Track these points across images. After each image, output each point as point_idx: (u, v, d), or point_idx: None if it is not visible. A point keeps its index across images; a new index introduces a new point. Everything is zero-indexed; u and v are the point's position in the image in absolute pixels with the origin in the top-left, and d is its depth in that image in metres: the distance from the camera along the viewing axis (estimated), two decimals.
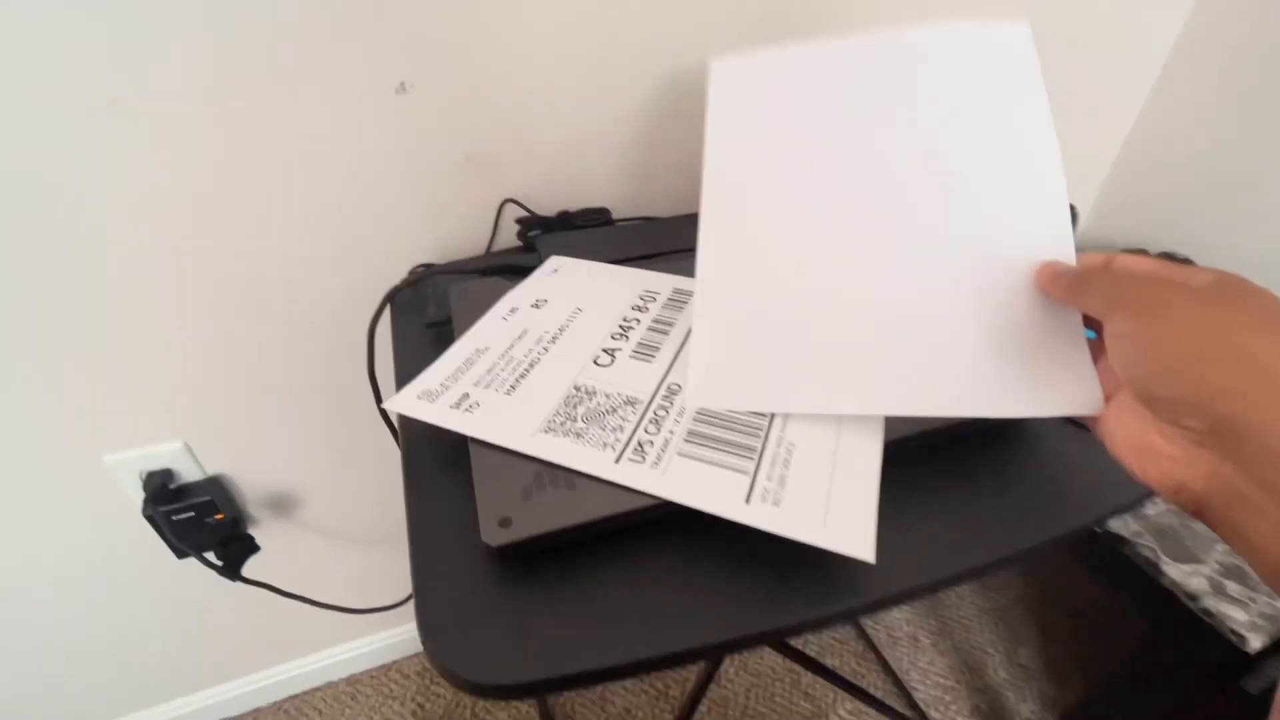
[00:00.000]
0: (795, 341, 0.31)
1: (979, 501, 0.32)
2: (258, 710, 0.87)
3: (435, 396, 0.34)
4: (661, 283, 0.43)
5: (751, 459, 0.29)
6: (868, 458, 0.29)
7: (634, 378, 0.34)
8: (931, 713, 0.88)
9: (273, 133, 0.48)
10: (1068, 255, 0.28)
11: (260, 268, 0.53)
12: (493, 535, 0.26)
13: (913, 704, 0.89)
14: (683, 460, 0.29)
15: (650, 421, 0.31)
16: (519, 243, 0.57)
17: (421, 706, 0.88)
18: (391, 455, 0.63)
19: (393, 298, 0.48)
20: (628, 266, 0.46)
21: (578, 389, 0.34)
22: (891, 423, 0.30)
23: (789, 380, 0.31)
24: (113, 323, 0.52)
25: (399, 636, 0.91)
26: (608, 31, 0.51)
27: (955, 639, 0.98)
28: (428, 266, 0.55)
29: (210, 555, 0.61)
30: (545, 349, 0.37)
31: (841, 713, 0.88)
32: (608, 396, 0.33)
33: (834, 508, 0.27)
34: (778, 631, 0.27)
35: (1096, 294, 0.25)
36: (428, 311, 0.45)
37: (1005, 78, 0.30)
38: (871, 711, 0.86)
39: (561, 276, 0.45)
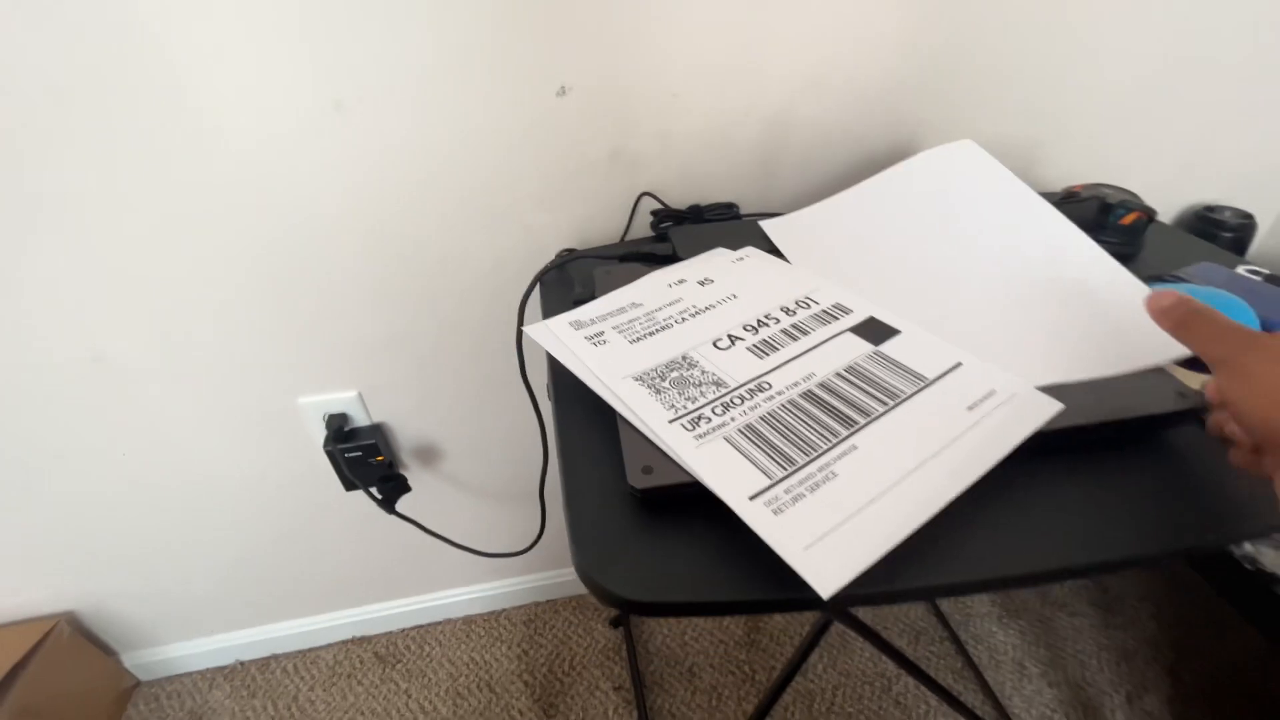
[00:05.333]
0: None
1: (1103, 503, 0.32)
2: (389, 633, 1.00)
3: (581, 326, 0.40)
4: (828, 294, 0.43)
5: (784, 470, 0.30)
6: (908, 515, 0.27)
7: (736, 366, 0.37)
8: None
9: (450, 130, 0.55)
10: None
11: (423, 248, 0.62)
12: (637, 480, 0.31)
13: None
14: (723, 444, 0.31)
15: (721, 404, 0.34)
16: (652, 233, 0.62)
17: (525, 653, 0.96)
18: (525, 421, 0.71)
19: (542, 277, 0.54)
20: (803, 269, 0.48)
21: (684, 358, 0.38)
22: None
23: None
24: (312, 288, 0.63)
25: (511, 587, 1.00)
26: (743, 40, 0.55)
27: (1068, 673, 0.92)
28: (570, 251, 0.61)
29: (373, 490, 0.72)
30: (684, 319, 0.41)
31: None
32: (703, 373, 0.37)
33: (828, 542, 0.27)
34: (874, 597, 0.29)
35: (1198, 341, 0.29)
36: (574, 289, 0.51)
37: (976, 172, 0.51)
38: None
39: (742, 264, 0.49)
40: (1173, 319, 0.30)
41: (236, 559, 0.86)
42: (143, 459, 0.72)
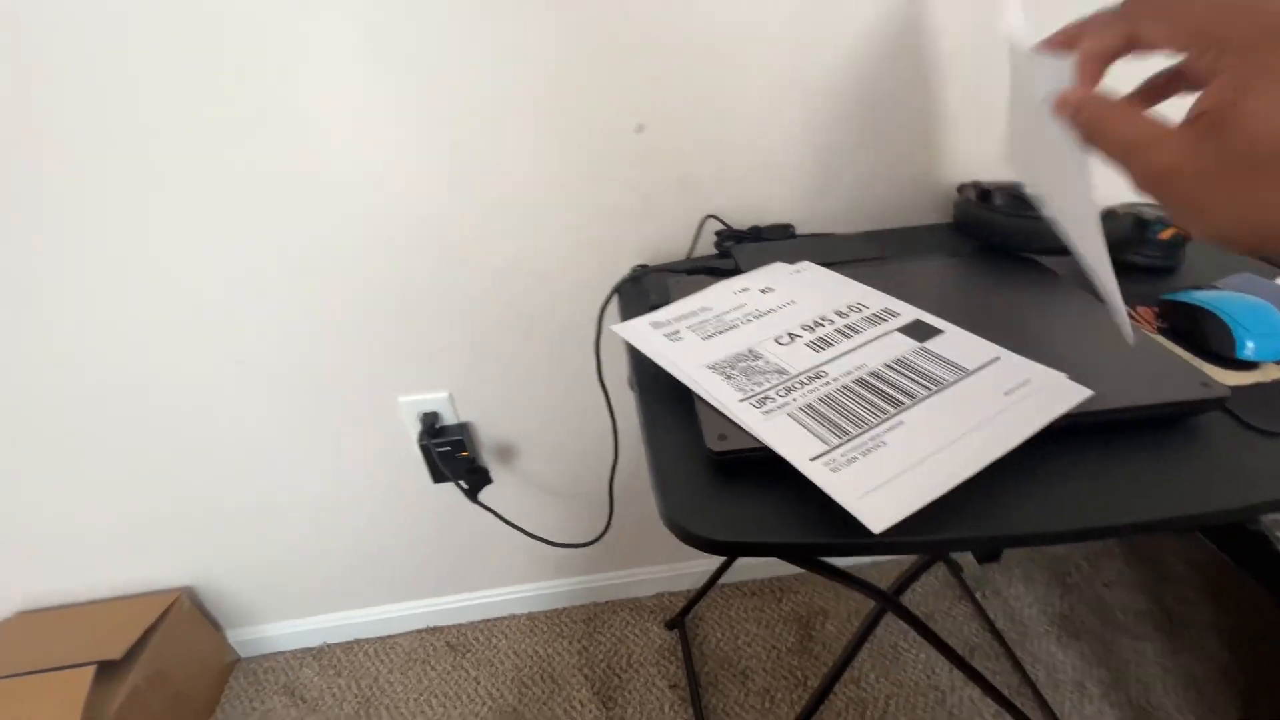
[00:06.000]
0: None
1: (1134, 473, 0.36)
2: (459, 625, 1.07)
3: (659, 326, 0.48)
4: (877, 300, 0.49)
5: (839, 438, 0.35)
6: (950, 474, 0.32)
7: (796, 358, 0.43)
8: None
9: (540, 165, 0.64)
10: None
11: (513, 264, 0.71)
12: (714, 444, 0.37)
13: None
14: (786, 418, 0.37)
15: (783, 388, 0.40)
16: (715, 251, 0.68)
17: (585, 649, 1.02)
18: (596, 422, 0.77)
19: (620, 289, 0.62)
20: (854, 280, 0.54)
21: (750, 351, 0.44)
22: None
23: None
24: (414, 301, 0.72)
25: (572, 586, 1.06)
26: (798, 80, 0.62)
27: (1131, 694, 0.90)
28: (644, 266, 0.68)
29: (460, 481, 0.80)
30: (748, 320, 0.48)
31: None
32: (767, 363, 0.43)
33: (878, 492, 0.32)
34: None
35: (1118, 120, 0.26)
36: (649, 298, 0.58)
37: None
38: None
39: (800, 275, 0.55)
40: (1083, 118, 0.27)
41: (331, 546, 0.96)
42: (258, 452, 0.83)
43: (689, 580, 1.08)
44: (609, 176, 0.66)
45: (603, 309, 0.60)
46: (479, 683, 0.98)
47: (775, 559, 0.40)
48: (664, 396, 0.44)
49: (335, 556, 0.97)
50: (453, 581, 1.04)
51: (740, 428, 0.38)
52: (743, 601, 1.07)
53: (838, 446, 0.35)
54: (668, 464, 0.40)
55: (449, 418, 0.82)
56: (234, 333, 0.72)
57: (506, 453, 0.88)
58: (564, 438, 0.87)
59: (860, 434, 0.36)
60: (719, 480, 0.38)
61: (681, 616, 1.03)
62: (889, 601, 0.62)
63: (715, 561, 1.06)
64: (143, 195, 0.62)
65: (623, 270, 0.70)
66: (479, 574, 1.04)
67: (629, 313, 0.61)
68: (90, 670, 0.77)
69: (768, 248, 0.64)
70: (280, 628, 1.04)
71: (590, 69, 0.60)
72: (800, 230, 0.69)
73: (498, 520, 0.83)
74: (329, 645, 1.06)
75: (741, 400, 0.40)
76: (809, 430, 0.37)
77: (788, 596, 1.08)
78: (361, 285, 0.70)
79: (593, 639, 1.03)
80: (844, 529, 0.32)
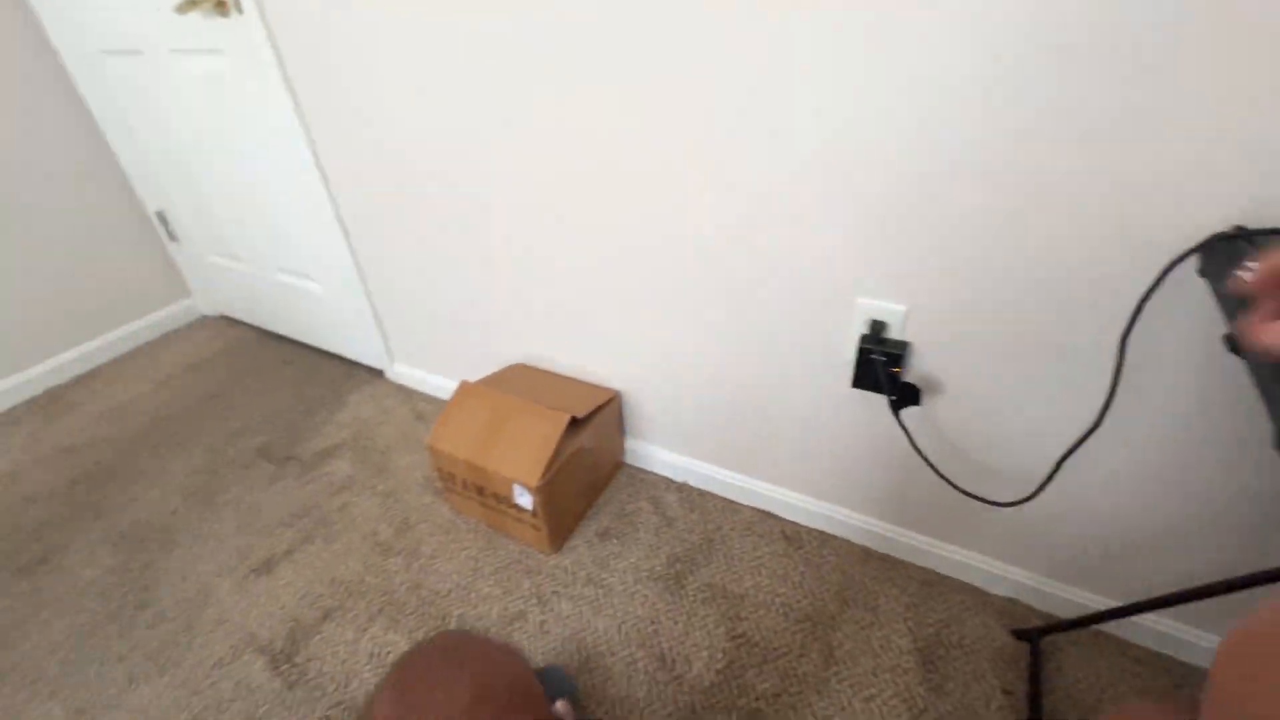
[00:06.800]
0: None
1: None
2: (796, 523, 1.15)
3: None
4: None
5: None
6: None
7: None
8: None
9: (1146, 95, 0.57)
10: None
11: (1054, 203, 0.66)
12: None
13: None
14: None
15: None
16: None
17: (915, 605, 1.00)
18: (1069, 389, 0.68)
19: (1206, 246, 0.53)
20: None
21: None
22: None
23: None
24: (908, 214, 0.74)
25: (912, 540, 1.04)
26: None
27: None
28: (1241, 228, 0.57)
29: (892, 395, 0.83)
30: None
31: None
32: None
33: None
34: None
35: None
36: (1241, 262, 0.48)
37: None
38: None
39: None
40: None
41: (727, 407, 1.11)
42: (726, 306, 0.98)
43: (1055, 604, 0.96)
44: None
45: (1169, 267, 0.53)
46: (805, 576, 1.06)
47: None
48: None
49: (727, 417, 1.12)
50: (809, 484, 1.12)
51: None
52: (1119, 661, 0.91)
53: None
54: None
55: (895, 331, 0.84)
56: (765, 219, 0.85)
57: (931, 388, 0.87)
58: (1009, 395, 0.81)
59: None
60: None
61: (1037, 633, 0.93)
62: None
63: (1105, 602, 0.91)
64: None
65: (1200, 228, 0.59)
66: (834, 487, 1.09)
67: (1214, 274, 0.52)
68: (567, 417, 1.06)
69: None
70: (659, 454, 1.27)
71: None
72: None
73: (883, 443, 0.84)
74: (689, 485, 1.25)
75: None
76: None
77: (1189, 683, 0.87)
78: (887, 180, 0.75)
79: (926, 603, 1.00)
80: None
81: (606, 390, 1.21)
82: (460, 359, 1.46)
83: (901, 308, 0.83)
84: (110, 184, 1.75)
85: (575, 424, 1.10)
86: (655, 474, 1.29)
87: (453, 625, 1.03)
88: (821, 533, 1.13)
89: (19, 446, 1.52)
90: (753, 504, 1.20)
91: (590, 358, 1.22)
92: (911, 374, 0.88)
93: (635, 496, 1.25)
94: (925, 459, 0.83)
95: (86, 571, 1.18)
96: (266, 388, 1.67)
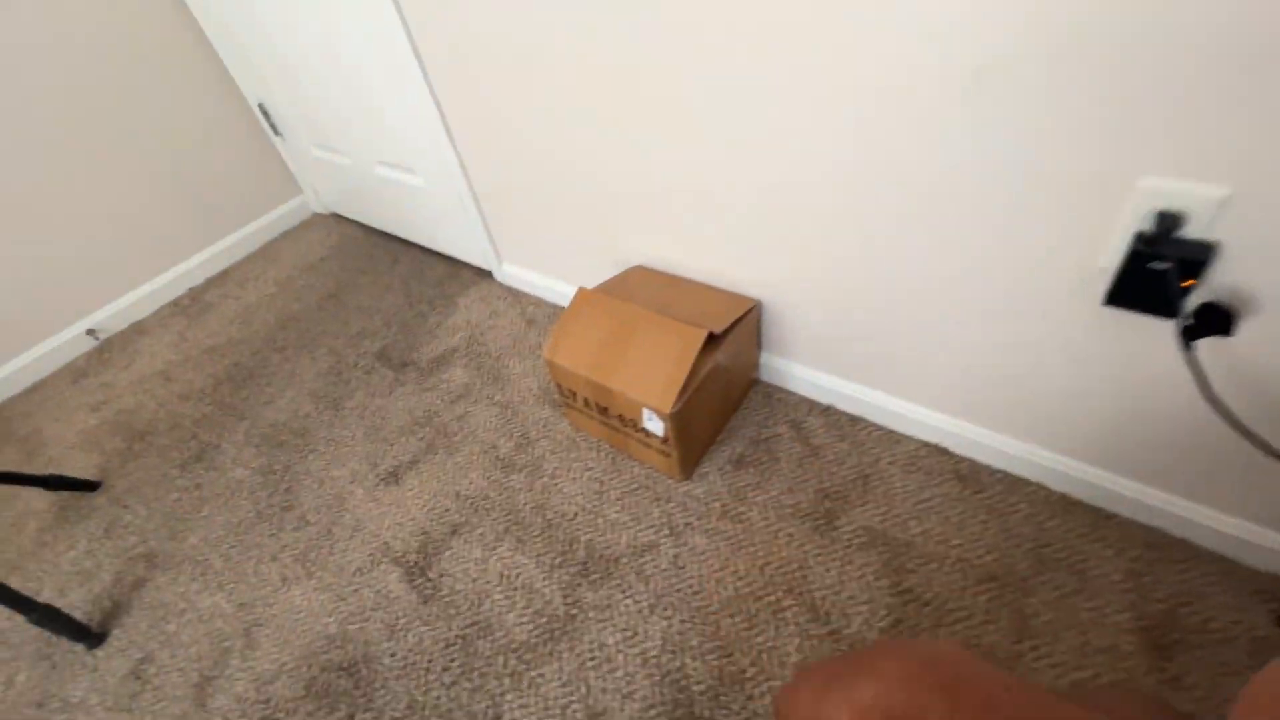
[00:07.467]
0: None
1: None
2: (975, 461, 0.96)
3: None
4: None
5: None
6: None
7: None
8: None
9: None
10: None
11: None
12: None
13: None
14: None
15: None
16: None
17: (1137, 572, 0.81)
18: None
19: None
20: None
21: None
22: None
23: None
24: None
25: (1141, 497, 0.82)
26: None
27: None
28: None
29: (1185, 320, 0.59)
30: None
31: None
32: None
33: None
34: None
35: None
36: None
37: None
38: None
39: None
40: None
41: (899, 317, 0.90)
42: (915, 188, 0.74)
43: None
44: None
45: None
46: (987, 527, 0.89)
47: None
48: None
49: (893, 331, 0.91)
50: (997, 418, 0.91)
51: None
52: None
53: None
54: None
55: (1197, 229, 0.58)
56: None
57: (1246, 310, 0.61)
58: None
59: None
60: None
61: None
62: None
63: None
64: None
65: None
66: (1041, 424, 0.87)
67: None
68: (703, 333, 0.90)
69: None
70: (799, 370, 1.09)
71: None
72: None
73: (1140, 381, 0.61)
74: (837, 410, 1.08)
75: None
76: None
77: None
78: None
79: (1154, 572, 0.81)
80: None
81: (745, 299, 1.03)
82: (572, 259, 1.32)
83: (1220, 192, 0.56)
84: (211, 77, 1.69)
85: (711, 339, 0.94)
86: (795, 394, 1.13)
87: (580, 552, 0.97)
88: (1007, 474, 0.94)
89: (169, 345, 1.61)
90: (918, 435, 1.01)
91: (725, 259, 1.03)
92: (1207, 289, 0.62)
93: (773, 420, 1.10)
94: (1228, 415, 0.60)
95: (237, 471, 1.23)
96: (379, 288, 1.64)
